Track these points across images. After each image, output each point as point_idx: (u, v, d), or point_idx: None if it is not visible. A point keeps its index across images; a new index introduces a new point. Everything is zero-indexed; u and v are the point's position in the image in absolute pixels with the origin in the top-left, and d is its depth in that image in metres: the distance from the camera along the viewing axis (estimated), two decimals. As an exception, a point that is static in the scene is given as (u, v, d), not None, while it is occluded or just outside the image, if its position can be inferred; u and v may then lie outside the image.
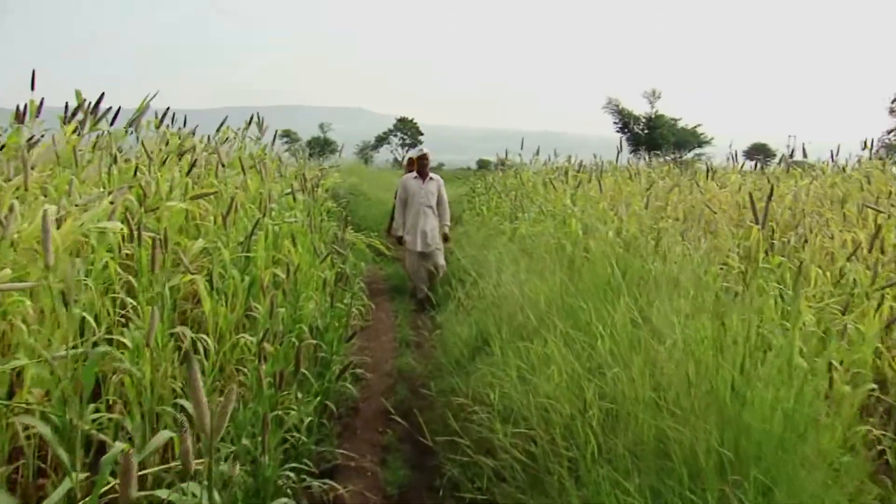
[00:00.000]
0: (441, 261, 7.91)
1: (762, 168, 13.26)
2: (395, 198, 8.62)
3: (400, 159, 59.35)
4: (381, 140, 64.48)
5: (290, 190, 5.75)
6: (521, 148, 13.82)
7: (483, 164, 43.28)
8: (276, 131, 8.94)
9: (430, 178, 8.06)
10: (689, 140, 56.13)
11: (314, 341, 4.23)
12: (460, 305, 5.33)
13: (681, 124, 57.15)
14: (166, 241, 3.23)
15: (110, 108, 4.69)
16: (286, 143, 50.59)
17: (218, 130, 7.50)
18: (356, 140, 63.96)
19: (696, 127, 57.80)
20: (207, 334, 3.45)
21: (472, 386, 3.82)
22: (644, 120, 58.14)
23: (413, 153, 8.71)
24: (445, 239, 8.11)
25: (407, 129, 65.05)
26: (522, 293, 4.62)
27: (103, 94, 4.59)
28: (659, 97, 58.45)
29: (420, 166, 8.05)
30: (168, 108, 5.90)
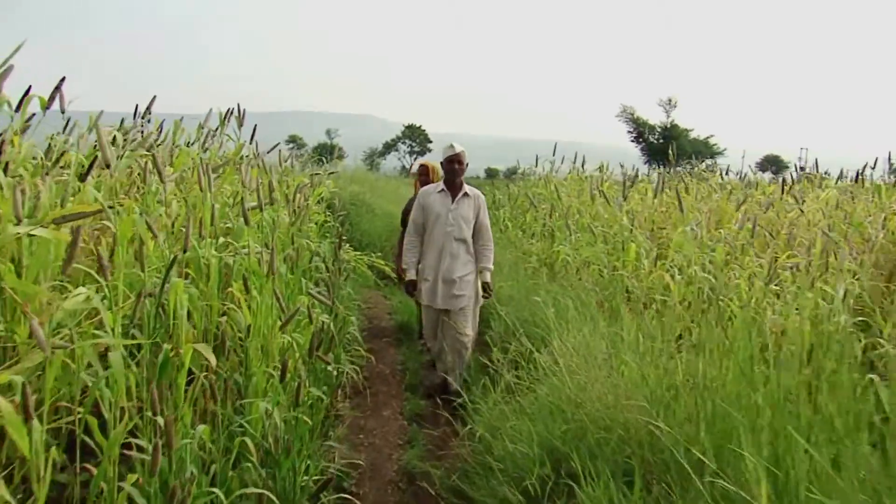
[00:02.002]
0: (470, 330, 4.90)
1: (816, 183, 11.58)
2: (404, 222, 5.94)
3: (408, 167, 57.71)
4: (389, 147, 62.84)
5: (254, 203, 3.95)
6: (553, 155, 12.10)
7: (492, 173, 41.53)
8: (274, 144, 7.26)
9: (465, 195, 4.94)
10: (701, 151, 54.49)
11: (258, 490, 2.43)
12: (509, 395, 3.46)
13: (693, 134, 55.61)
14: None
15: None
16: (292, 148, 49.27)
17: (201, 128, 5.88)
18: (364, 147, 62.39)
19: (708, 137, 56.23)
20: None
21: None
22: (659, 129, 56.55)
23: (425, 159, 6.45)
24: (487, 292, 5.01)
25: (415, 137, 63.38)
26: (614, 385, 2.82)
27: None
28: (675, 106, 56.93)
29: (449, 174, 4.94)
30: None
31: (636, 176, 8.76)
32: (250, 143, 6.48)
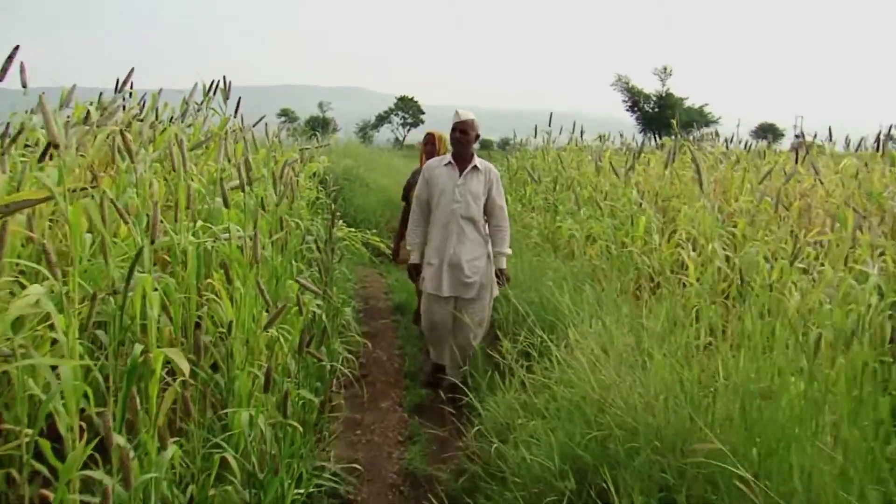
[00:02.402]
0: (484, 314, 4.44)
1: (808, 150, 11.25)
2: (406, 197, 5.40)
3: (401, 139, 57.11)
4: (382, 119, 62.08)
5: (236, 182, 3.60)
6: (549, 126, 11.72)
7: (485, 144, 40.98)
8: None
9: (475, 168, 4.37)
10: (696, 120, 54.12)
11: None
12: (523, 393, 3.11)
13: (687, 103, 55.18)
14: None
15: None
16: (284, 122, 48.59)
17: (185, 102, 5.54)
18: (357, 119, 61.69)
19: (703, 106, 55.80)
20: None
21: None
22: (654, 98, 56.12)
23: (433, 128, 5.64)
24: (501, 280, 4.47)
25: (408, 108, 62.61)
26: (642, 383, 2.50)
27: None
28: (671, 74, 56.47)
29: (456, 145, 4.41)
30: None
31: (642, 146, 8.37)
32: (234, 117, 6.12)
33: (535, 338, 3.40)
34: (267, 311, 2.86)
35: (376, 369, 4.95)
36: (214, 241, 2.99)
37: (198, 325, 2.72)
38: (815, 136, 10.19)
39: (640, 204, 5.99)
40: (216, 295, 2.84)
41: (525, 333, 3.54)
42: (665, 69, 55.52)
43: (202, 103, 5.83)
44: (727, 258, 4.88)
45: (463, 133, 4.38)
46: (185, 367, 2.09)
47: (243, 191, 3.57)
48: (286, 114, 55.67)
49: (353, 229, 8.62)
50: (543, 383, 3.00)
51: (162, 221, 2.88)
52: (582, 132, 11.66)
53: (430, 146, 5.44)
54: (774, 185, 6.11)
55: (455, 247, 4.31)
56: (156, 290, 2.36)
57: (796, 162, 7.34)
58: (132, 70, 4.65)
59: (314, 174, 8.08)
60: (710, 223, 4.87)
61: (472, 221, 4.34)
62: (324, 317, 3.69)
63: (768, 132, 47.24)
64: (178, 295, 2.81)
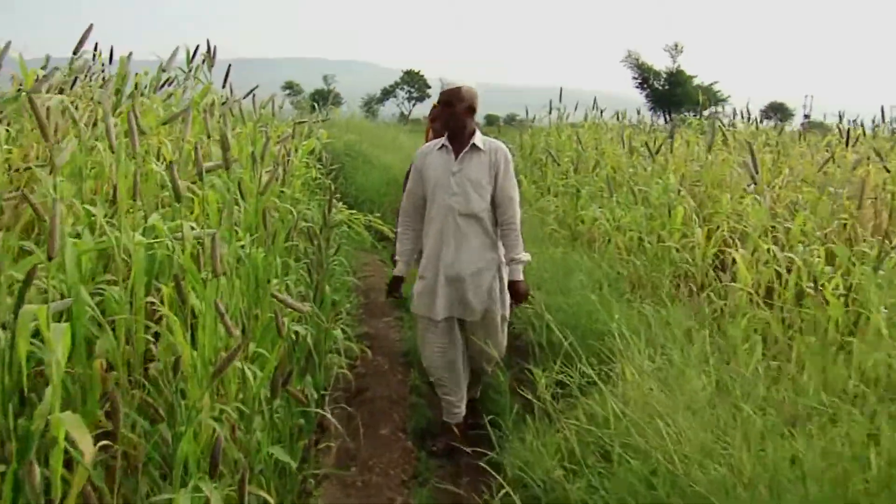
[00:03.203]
0: (500, 338, 3.50)
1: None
2: (405, 190, 3.79)
3: (406, 113, 56.23)
4: (388, 93, 61.07)
5: (214, 164, 2.91)
6: (560, 102, 11.00)
7: (491, 120, 40.02)
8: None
9: (474, 149, 3.37)
10: (706, 98, 53.03)
11: None
12: (562, 439, 2.38)
13: (696, 81, 54.10)
14: None
15: None
16: (288, 94, 47.73)
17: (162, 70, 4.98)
18: (362, 93, 60.76)
19: (712, 84, 54.72)
20: None
21: None
22: (665, 75, 55.02)
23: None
24: (516, 294, 3.40)
25: (414, 82, 61.56)
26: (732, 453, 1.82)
27: None
28: (681, 51, 55.32)
29: (451, 121, 3.40)
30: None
31: (673, 126, 7.64)
32: (223, 88, 5.44)
33: (574, 369, 2.71)
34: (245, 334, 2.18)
35: (376, 382, 4.27)
36: (164, 243, 2.30)
37: (110, 368, 2.03)
38: (825, 117, 9.75)
39: (679, 191, 5.28)
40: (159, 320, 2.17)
41: (561, 360, 2.85)
42: (676, 46, 54.32)
43: (191, 72, 5.23)
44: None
45: (447, 105, 3.36)
46: (88, 448, 1.41)
47: (227, 169, 2.90)
48: (290, 87, 54.66)
49: (354, 211, 7.94)
50: (592, 432, 2.31)
51: (93, 217, 2.20)
52: (601, 110, 10.95)
53: (434, 118, 4.54)
54: (839, 173, 5.36)
55: (453, 254, 3.33)
56: (67, 320, 1.69)
57: (847, 145, 6.63)
58: (90, 27, 3.93)
59: (312, 151, 7.38)
60: (763, 217, 4.14)
61: (474, 219, 3.34)
62: (309, 339, 2.99)
63: (777, 111, 46.22)
64: (122, 316, 2.15)
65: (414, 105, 60.10)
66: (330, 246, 4.83)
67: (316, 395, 3.02)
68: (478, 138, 3.39)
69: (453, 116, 3.37)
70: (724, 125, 7.95)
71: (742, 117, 10.42)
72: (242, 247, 2.99)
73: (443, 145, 3.44)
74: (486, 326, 3.42)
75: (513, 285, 3.38)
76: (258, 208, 3.30)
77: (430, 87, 61.76)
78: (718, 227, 4.79)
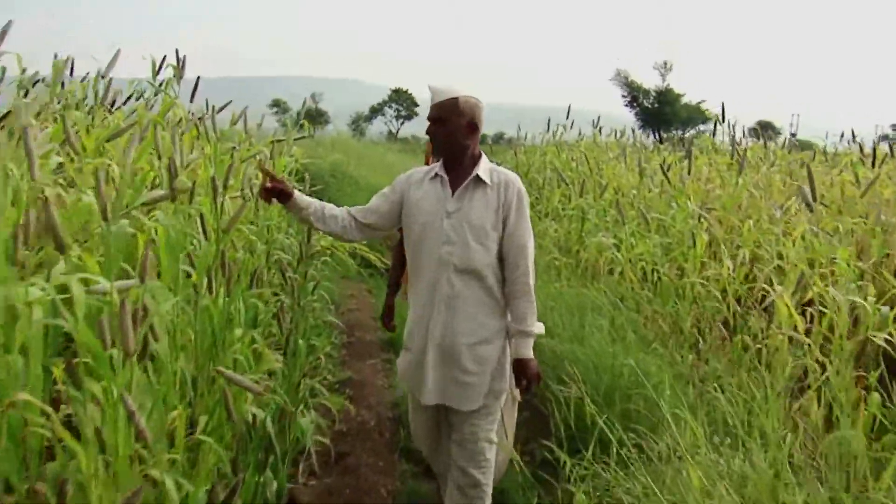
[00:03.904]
0: (493, 436, 2.51)
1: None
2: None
3: (394, 131, 55.83)
4: (376, 111, 60.74)
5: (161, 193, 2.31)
6: (550, 121, 10.61)
7: (481, 139, 39.83)
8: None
9: (480, 182, 2.49)
10: (694, 116, 53.24)
11: None
12: None
13: (684, 100, 54.10)
14: None
15: None
16: (276, 113, 47.30)
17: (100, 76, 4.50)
18: (350, 111, 60.47)
19: (700, 102, 54.68)
20: None
21: None
22: (654, 93, 54.91)
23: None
24: (525, 376, 2.44)
25: (402, 101, 61.20)
26: None
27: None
28: (671, 69, 55.31)
29: (446, 144, 2.52)
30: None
31: (690, 143, 7.11)
32: (191, 103, 4.91)
33: (610, 454, 2.12)
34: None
35: (359, 442, 3.65)
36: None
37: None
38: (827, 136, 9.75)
39: (700, 218, 4.72)
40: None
41: (595, 443, 2.25)
42: (665, 64, 54.29)
43: (161, 86, 4.73)
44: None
45: (439, 123, 2.51)
46: None
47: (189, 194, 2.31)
48: (278, 104, 54.16)
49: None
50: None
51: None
52: (599, 128, 10.48)
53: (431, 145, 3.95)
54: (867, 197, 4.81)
55: (446, 321, 2.47)
56: None
57: (873, 165, 6.13)
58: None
59: (290, 172, 6.79)
60: (826, 252, 3.57)
61: (475, 276, 2.48)
62: (269, 422, 2.36)
63: (766, 129, 46.04)
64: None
65: (402, 123, 59.78)
66: (308, 280, 4.24)
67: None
68: (483, 168, 2.51)
69: (449, 138, 2.51)
70: (738, 144, 7.43)
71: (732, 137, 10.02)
72: (197, 293, 2.41)
73: (436, 174, 2.57)
74: (486, 417, 2.51)
75: (518, 364, 2.48)
76: (217, 247, 2.69)
77: (417, 106, 61.51)
78: (751, 260, 4.23)
